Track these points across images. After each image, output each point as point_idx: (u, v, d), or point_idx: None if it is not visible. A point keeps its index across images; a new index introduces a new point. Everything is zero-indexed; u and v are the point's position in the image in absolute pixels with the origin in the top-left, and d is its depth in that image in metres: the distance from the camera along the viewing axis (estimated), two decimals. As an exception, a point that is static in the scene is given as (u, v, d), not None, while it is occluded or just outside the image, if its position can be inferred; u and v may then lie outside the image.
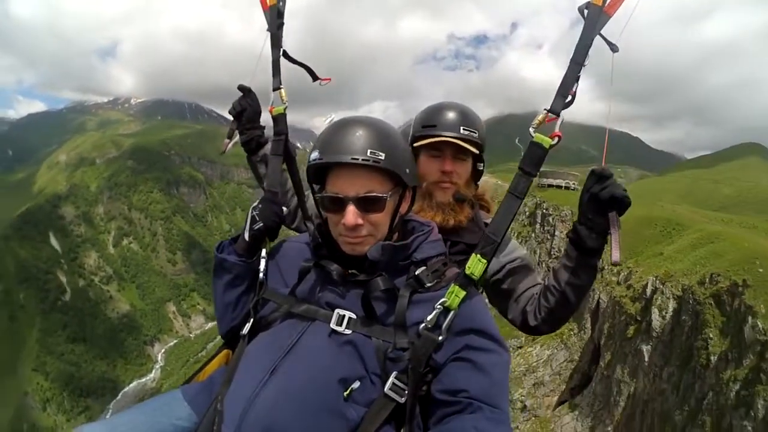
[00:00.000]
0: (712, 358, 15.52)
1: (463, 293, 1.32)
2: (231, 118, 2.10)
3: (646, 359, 19.09)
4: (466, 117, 1.93)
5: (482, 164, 2.08)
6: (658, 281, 19.60)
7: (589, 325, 25.14)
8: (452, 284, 1.34)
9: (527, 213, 43.29)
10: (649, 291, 19.88)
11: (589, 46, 1.49)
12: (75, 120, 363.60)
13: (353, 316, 1.34)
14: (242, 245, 1.66)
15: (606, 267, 24.39)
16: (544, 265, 36.07)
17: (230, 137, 2.12)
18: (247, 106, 2.06)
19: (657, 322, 18.78)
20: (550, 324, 1.78)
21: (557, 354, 26.77)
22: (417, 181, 1.47)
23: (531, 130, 1.47)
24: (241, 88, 2.06)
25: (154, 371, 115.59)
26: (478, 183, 2.11)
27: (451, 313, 1.30)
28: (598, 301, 24.15)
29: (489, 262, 1.40)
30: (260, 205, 1.72)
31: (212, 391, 1.49)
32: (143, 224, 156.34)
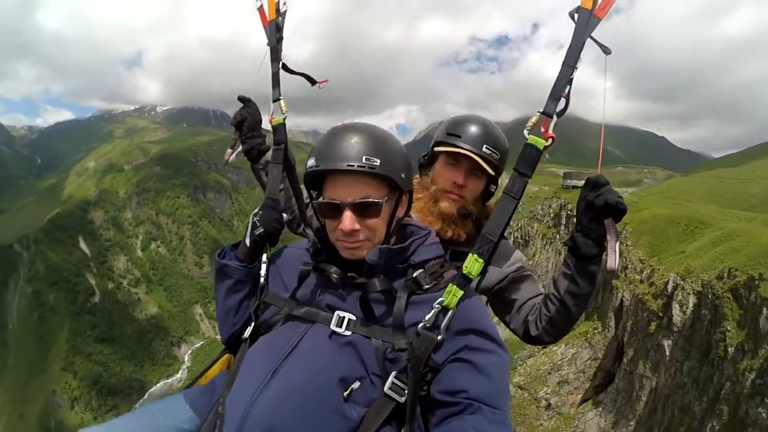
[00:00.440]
0: (729, 349, 15.67)
1: (460, 292, 1.32)
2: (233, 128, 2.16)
3: (668, 354, 19.15)
4: (490, 136, 1.92)
5: (495, 187, 2.06)
6: (678, 277, 19.62)
7: (612, 323, 25.05)
8: (450, 284, 1.34)
9: (552, 215, 42.37)
10: (670, 287, 19.88)
11: (581, 50, 1.51)
12: (102, 128, 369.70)
13: (353, 317, 1.35)
14: (243, 251, 1.68)
15: (629, 266, 24.58)
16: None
17: (233, 147, 2.18)
18: (247, 115, 2.11)
19: (678, 317, 18.85)
20: (552, 334, 1.79)
21: (582, 352, 26.66)
22: (411, 186, 1.48)
23: (525, 132, 1.48)
24: (240, 98, 2.13)
25: (180, 372, 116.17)
26: (487, 204, 2.09)
27: (450, 312, 1.30)
28: (621, 299, 24.02)
29: (486, 262, 1.39)
30: (261, 212, 1.74)
31: (214, 394, 1.49)
32: (171, 228, 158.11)
